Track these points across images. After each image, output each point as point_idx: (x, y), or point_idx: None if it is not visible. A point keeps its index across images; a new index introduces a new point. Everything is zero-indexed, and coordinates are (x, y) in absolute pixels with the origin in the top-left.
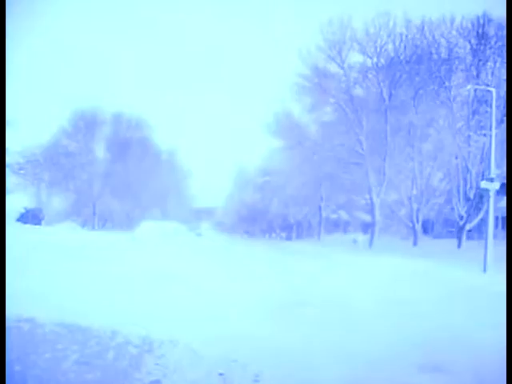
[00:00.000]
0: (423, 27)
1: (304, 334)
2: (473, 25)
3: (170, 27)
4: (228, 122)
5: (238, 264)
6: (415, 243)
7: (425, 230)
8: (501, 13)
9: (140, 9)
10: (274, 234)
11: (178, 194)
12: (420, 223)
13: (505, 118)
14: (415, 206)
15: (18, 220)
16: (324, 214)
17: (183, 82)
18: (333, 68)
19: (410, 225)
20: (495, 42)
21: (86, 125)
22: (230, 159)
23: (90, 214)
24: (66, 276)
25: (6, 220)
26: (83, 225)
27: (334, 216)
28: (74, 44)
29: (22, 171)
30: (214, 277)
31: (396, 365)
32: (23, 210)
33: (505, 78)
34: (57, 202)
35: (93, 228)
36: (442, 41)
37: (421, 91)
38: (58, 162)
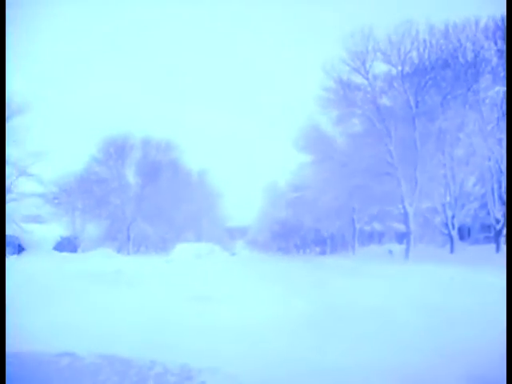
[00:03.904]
0: (447, 31)
1: (344, 350)
2: (497, 25)
3: (195, 48)
4: (256, 140)
5: (275, 282)
6: (452, 251)
7: (461, 237)
8: None
9: (164, 31)
10: (308, 250)
11: (210, 214)
12: (456, 230)
13: None
14: (450, 213)
15: (55, 248)
16: (357, 227)
17: (210, 101)
18: (357, 79)
19: (446, 232)
20: None
21: (116, 151)
22: (260, 176)
23: (125, 238)
24: (104, 305)
25: (44, 249)
26: (118, 250)
27: (367, 228)
28: (100, 73)
29: (56, 200)
30: (251, 297)
31: (442, 376)
32: (59, 239)
33: None
34: (91, 229)
35: (128, 253)
36: (468, 44)
37: (448, 96)
38: (90, 189)
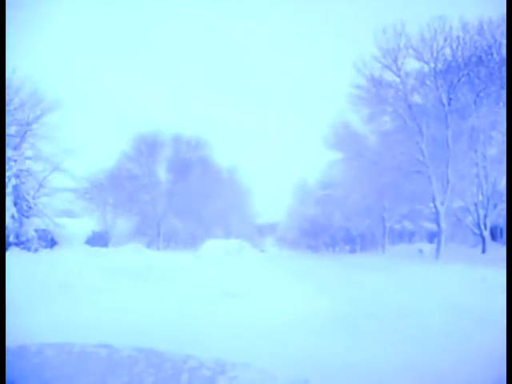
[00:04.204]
0: (482, 28)
1: (372, 348)
2: None
3: (225, 47)
4: (286, 137)
5: (304, 280)
6: (484, 251)
7: (493, 237)
8: None
9: (194, 27)
10: (337, 248)
11: (239, 211)
12: (488, 230)
13: None
14: (482, 213)
15: (86, 243)
16: (387, 225)
17: (239, 99)
18: (389, 76)
19: (478, 232)
20: None
21: (147, 148)
22: (290, 174)
23: (155, 234)
24: (136, 300)
25: (76, 243)
26: (148, 245)
27: (397, 226)
28: (130, 71)
29: (88, 195)
30: (281, 294)
31: (471, 377)
32: (91, 233)
33: None
34: (122, 224)
35: (158, 248)
36: (503, 40)
37: (482, 94)
38: (121, 185)
